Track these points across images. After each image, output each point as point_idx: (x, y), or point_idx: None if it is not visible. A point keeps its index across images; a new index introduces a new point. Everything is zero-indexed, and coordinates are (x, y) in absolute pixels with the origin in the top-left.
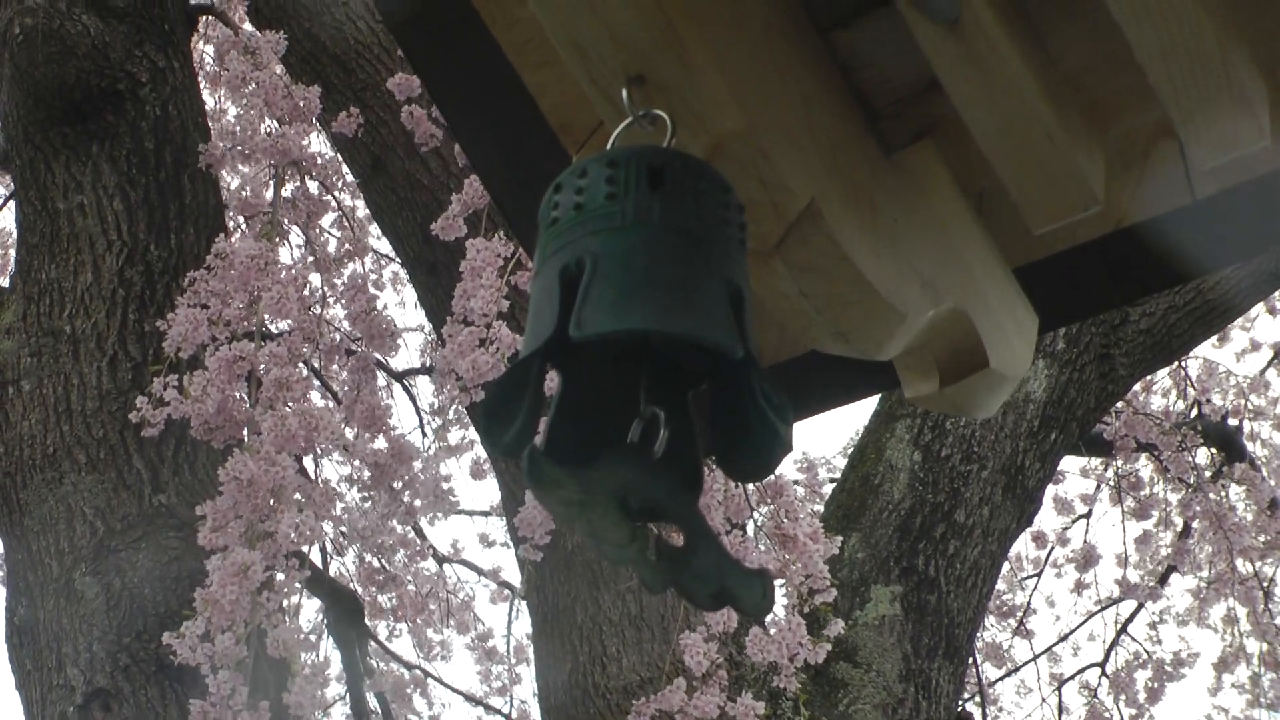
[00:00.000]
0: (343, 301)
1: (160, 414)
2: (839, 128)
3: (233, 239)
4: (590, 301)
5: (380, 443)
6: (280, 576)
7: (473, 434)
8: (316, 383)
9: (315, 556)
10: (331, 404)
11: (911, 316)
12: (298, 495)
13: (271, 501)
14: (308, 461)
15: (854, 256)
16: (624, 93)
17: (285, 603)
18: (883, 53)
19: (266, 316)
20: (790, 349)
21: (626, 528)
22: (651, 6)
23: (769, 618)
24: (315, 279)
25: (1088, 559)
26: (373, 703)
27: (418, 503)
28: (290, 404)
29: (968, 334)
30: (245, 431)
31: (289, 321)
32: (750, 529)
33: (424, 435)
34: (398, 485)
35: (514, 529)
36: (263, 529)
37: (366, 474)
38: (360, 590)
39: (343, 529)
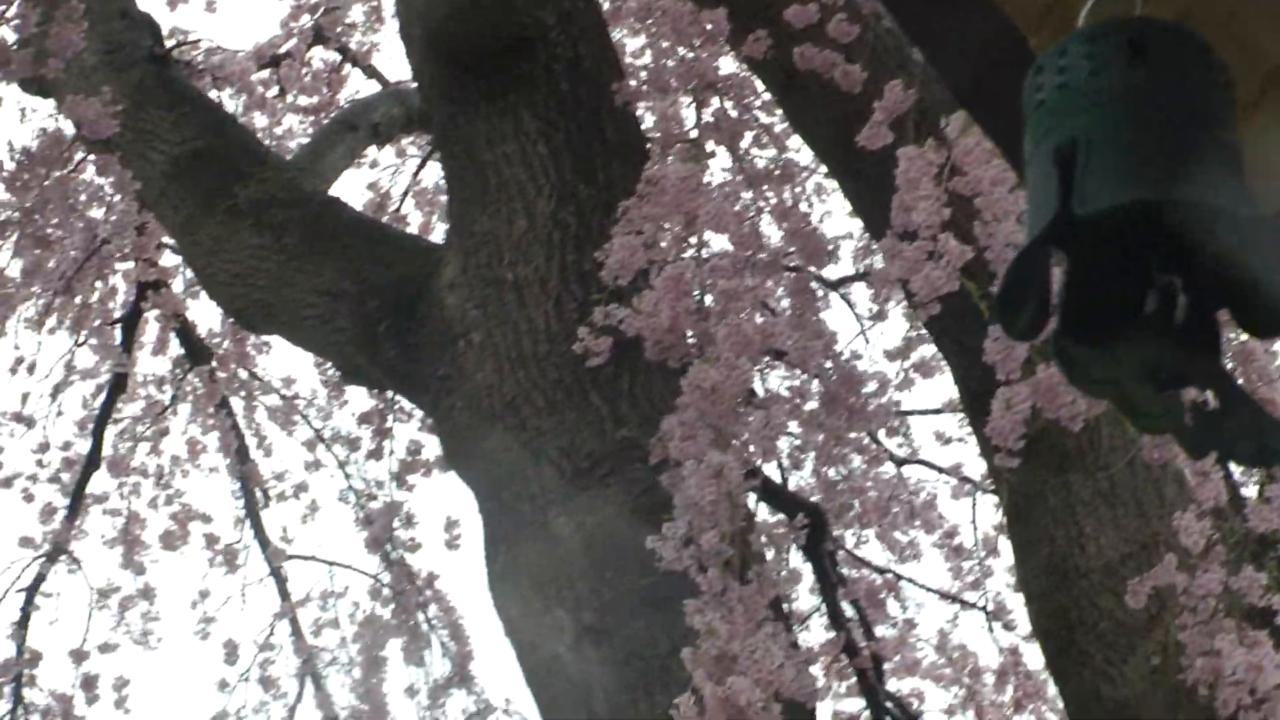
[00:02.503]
0: (777, 221)
1: (603, 342)
2: None
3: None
4: (1090, 179)
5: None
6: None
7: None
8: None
9: (774, 473)
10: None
11: None
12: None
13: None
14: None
15: None
16: None
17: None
18: None
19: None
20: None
21: (1158, 398)
22: None
23: (1268, 487)
24: (746, 195)
25: None
26: (849, 610)
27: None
28: (740, 314)
29: None
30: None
31: (726, 238)
32: None
33: (866, 342)
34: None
35: (975, 427)
36: (729, 434)
37: (814, 385)
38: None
39: (797, 442)
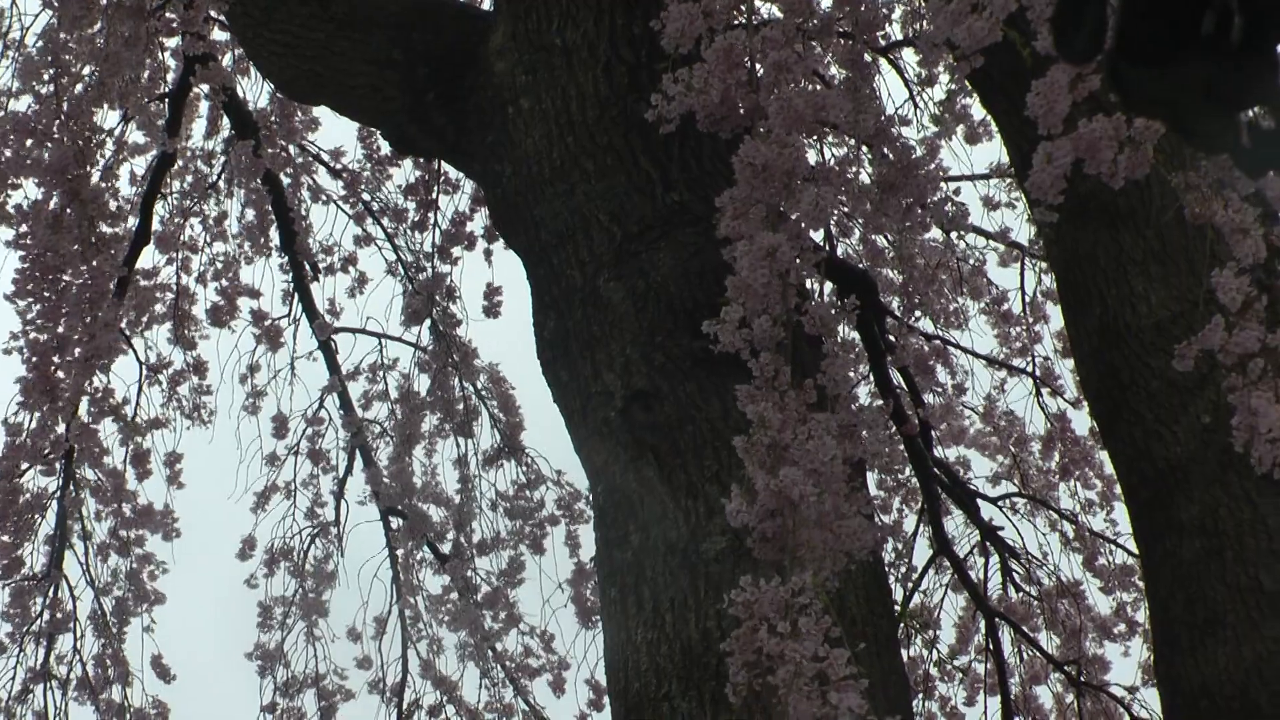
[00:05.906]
0: None
1: (673, 109)
2: None
3: None
4: None
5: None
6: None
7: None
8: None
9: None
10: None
11: None
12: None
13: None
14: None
15: None
16: None
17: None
18: None
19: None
20: None
21: (1216, 118)
22: None
23: None
24: None
25: None
26: (896, 378)
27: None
28: (791, 86)
29: None
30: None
31: (777, 6)
32: None
33: (915, 107)
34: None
35: (1025, 190)
36: (781, 212)
37: (864, 150)
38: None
39: (845, 210)
